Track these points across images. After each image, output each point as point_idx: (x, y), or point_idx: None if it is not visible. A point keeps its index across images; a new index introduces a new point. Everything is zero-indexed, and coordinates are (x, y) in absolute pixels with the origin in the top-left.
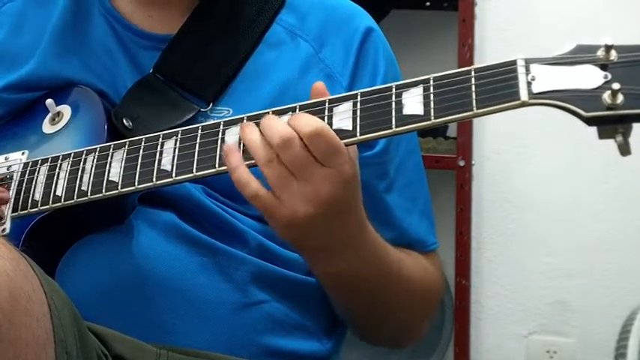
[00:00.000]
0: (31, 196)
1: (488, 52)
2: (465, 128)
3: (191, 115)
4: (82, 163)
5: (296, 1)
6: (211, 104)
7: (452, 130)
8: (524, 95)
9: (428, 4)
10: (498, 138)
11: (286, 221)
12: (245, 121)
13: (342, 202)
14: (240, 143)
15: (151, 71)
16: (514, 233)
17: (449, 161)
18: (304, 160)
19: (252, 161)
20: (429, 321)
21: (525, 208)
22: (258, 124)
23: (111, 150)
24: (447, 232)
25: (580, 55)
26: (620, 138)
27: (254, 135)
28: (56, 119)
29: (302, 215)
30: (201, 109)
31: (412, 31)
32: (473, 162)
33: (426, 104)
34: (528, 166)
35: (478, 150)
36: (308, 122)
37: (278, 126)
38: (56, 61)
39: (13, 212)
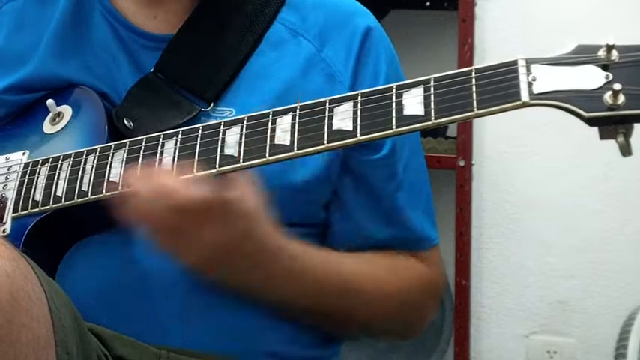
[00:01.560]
0: (31, 196)
1: (489, 52)
2: (465, 128)
3: (192, 115)
4: (82, 164)
5: (297, 0)
6: (213, 104)
7: (452, 130)
8: (525, 96)
9: (428, 4)
10: (498, 138)
11: (192, 261)
12: (246, 122)
13: (231, 244)
14: (240, 144)
15: (151, 70)
16: (514, 233)
17: (449, 161)
18: (193, 221)
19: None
20: (426, 318)
21: (525, 208)
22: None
23: (111, 150)
24: (447, 232)
25: (581, 56)
26: (621, 138)
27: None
28: (57, 119)
29: (198, 261)
30: (203, 109)
31: (412, 31)
32: (473, 162)
33: (427, 105)
34: (528, 166)
35: (478, 150)
36: (180, 194)
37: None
38: (57, 62)
39: (13, 213)
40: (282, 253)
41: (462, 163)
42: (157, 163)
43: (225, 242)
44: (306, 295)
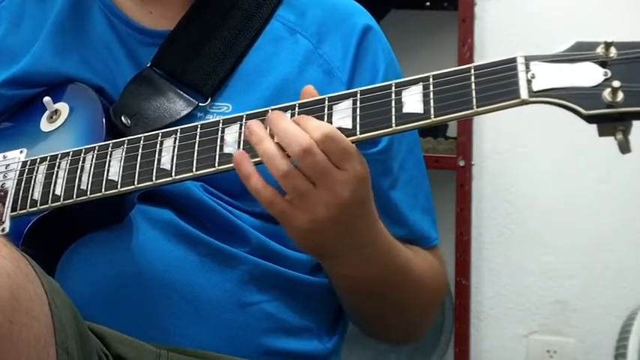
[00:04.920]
0: (30, 195)
1: (489, 51)
2: (465, 128)
3: (189, 110)
4: (80, 162)
5: None
6: (210, 99)
7: (452, 130)
8: (524, 93)
9: (428, 4)
10: (498, 138)
11: (306, 226)
12: (245, 120)
13: (361, 203)
14: (239, 142)
15: (148, 65)
16: (514, 233)
17: (449, 161)
18: (324, 167)
19: (258, 159)
20: (434, 317)
21: (525, 208)
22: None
23: (110, 149)
24: (447, 232)
25: (580, 53)
26: (620, 135)
27: (269, 146)
28: (54, 117)
29: (322, 220)
30: (200, 104)
31: (412, 31)
32: (473, 162)
33: (426, 102)
34: (528, 166)
35: (478, 150)
36: (316, 126)
37: (297, 135)
38: (55, 57)
39: (12, 211)
40: (378, 220)
41: (462, 163)
42: (155, 162)
43: (360, 179)
44: (378, 267)
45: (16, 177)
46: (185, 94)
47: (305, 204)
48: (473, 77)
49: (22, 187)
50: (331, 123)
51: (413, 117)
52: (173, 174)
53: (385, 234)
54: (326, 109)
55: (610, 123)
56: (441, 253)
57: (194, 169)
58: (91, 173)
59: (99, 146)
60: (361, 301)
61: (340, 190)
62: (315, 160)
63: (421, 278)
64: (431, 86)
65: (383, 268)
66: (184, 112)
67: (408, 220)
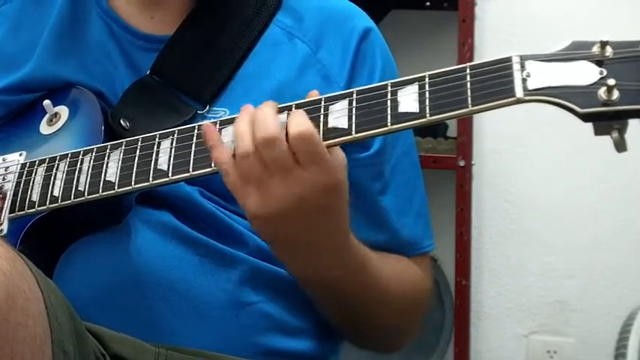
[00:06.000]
0: (28, 196)
1: (488, 52)
2: (465, 128)
3: (188, 117)
4: (79, 164)
5: (293, 3)
6: (208, 106)
7: (452, 130)
8: (519, 92)
9: (428, 4)
10: (498, 138)
11: (257, 212)
12: None
13: (316, 209)
14: None
15: (147, 72)
16: (514, 233)
17: (449, 161)
18: (283, 162)
19: None
20: (417, 328)
21: (525, 208)
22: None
23: (108, 150)
24: (447, 232)
25: (575, 52)
26: (615, 134)
27: (243, 125)
28: (54, 120)
29: (273, 211)
30: (198, 111)
31: (412, 31)
32: (473, 162)
33: (422, 102)
34: (528, 166)
35: (478, 150)
36: (298, 122)
37: (267, 123)
38: (54, 63)
39: (10, 213)
40: (349, 234)
41: (462, 163)
42: (152, 163)
43: (319, 186)
44: (344, 277)
45: (15, 179)
46: (184, 102)
47: (256, 190)
48: (468, 76)
49: (20, 189)
50: (327, 123)
51: (408, 116)
52: (170, 174)
53: (357, 247)
54: (322, 110)
55: (606, 121)
56: (441, 253)
57: (190, 170)
58: (89, 174)
59: (97, 148)
60: (328, 306)
61: (293, 186)
62: (275, 152)
63: (397, 294)
64: (427, 85)
65: (351, 279)
66: (182, 119)
67: (396, 225)
